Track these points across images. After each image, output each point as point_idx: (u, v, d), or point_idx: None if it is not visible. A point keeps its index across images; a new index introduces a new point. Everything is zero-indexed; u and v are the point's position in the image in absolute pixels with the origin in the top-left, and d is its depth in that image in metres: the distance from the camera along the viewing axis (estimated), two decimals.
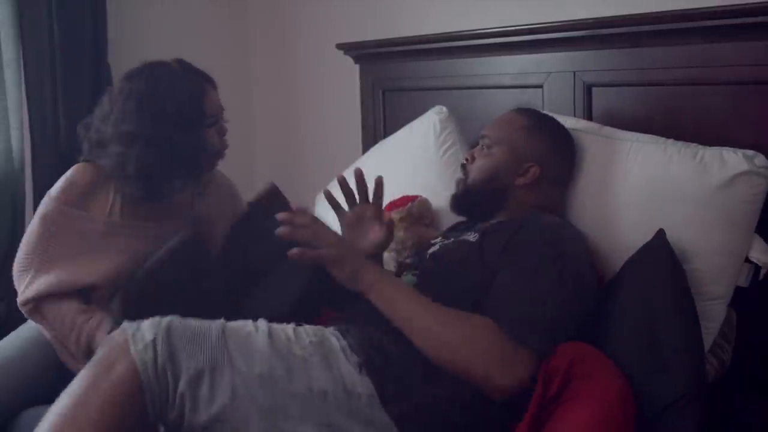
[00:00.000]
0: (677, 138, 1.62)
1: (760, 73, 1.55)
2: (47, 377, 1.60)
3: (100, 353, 1.22)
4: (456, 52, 2.15)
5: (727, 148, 1.50)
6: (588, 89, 1.85)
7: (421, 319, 1.32)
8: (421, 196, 1.92)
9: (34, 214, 2.29)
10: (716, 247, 1.47)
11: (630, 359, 1.34)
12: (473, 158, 1.65)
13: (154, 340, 1.18)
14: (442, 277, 1.47)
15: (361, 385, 1.24)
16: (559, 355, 1.29)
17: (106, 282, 1.63)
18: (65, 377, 1.60)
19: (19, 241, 2.27)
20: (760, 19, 1.52)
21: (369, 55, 2.42)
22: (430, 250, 1.59)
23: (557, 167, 1.63)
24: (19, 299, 1.64)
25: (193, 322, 1.25)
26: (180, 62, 1.67)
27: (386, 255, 1.91)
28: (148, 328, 1.21)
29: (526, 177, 1.60)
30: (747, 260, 1.50)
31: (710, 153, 1.51)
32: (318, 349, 1.27)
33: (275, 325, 1.30)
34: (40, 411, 1.50)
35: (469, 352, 1.28)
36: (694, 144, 1.56)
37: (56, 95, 2.35)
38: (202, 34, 2.84)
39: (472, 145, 1.74)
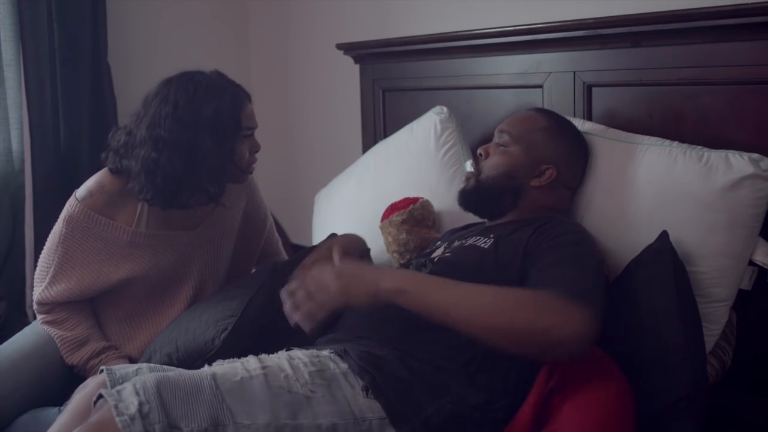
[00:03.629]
0: (677, 138, 1.62)
1: (760, 73, 1.55)
2: (49, 380, 1.60)
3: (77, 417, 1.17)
4: (456, 52, 2.15)
5: (733, 151, 1.50)
6: (588, 89, 1.85)
7: (466, 300, 1.23)
8: (422, 198, 1.91)
9: (34, 214, 2.32)
10: (720, 250, 1.47)
11: (632, 359, 1.34)
12: (487, 154, 1.62)
13: (140, 410, 1.10)
14: (445, 270, 1.43)
15: (370, 409, 1.22)
16: None
17: (125, 283, 1.64)
18: (67, 380, 1.62)
19: (19, 240, 2.30)
20: (759, 19, 1.52)
21: (369, 55, 2.42)
22: (438, 255, 1.55)
23: (572, 171, 1.62)
24: (35, 297, 1.65)
25: (181, 377, 1.18)
26: (219, 73, 1.64)
27: (388, 257, 1.91)
28: (130, 395, 1.12)
29: (541, 179, 1.57)
30: (751, 263, 1.50)
31: (716, 156, 1.51)
32: (319, 380, 1.23)
33: (268, 360, 1.26)
34: (39, 413, 1.51)
35: (526, 312, 1.18)
36: (699, 146, 1.56)
37: (56, 95, 2.35)
38: (203, 34, 2.84)
39: (485, 140, 1.71)
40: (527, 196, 1.58)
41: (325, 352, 1.31)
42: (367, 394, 1.23)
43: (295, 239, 2.70)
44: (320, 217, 2.23)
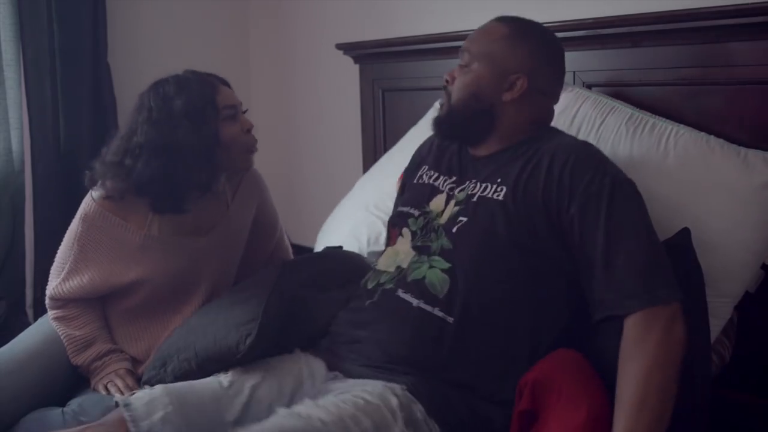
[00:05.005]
0: None
1: (760, 73, 1.55)
2: (55, 380, 1.60)
3: None
4: (456, 52, 2.11)
5: None
6: (588, 89, 1.84)
7: (651, 419, 1.19)
8: None
9: (34, 214, 2.32)
10: (743, 244, 1.47)
11: None
12: (453, 78, 1.50)
13: None
14: (475, 257, 1.36)
15: None
16: (534, 369, 1.28)
17: (135, 284, 1.64)
18: (72, 380, 1.61)
19: (19, 240, 2.29)
20: (759, 19, 1.52)
21: (369, 55, 2.42)
22: (448, 217, 1.43)
23: (546, 77, 1.48)
24: (49, 291, 1.66)
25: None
26: (189, 71, 1.65)
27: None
28: None
29: (513, 91, 1.44)
30: (762, 266, 1.50)
31: (753, 154, 1.51)
32: (408, 421, 1.22)
33: (372, 410, 1.21)
34: (44, 414, 1.50)
35: (669, 368, 1.21)
36: (734, 144, 1.56)
37: (56, 95, 2.35)
38: (202, 34, 2.84)
39: None
40: (504, 114, 1.46)
41: (398, 387, 1.27)
42: None
43: (295, 239, 2.70)
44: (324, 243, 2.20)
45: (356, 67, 2.48)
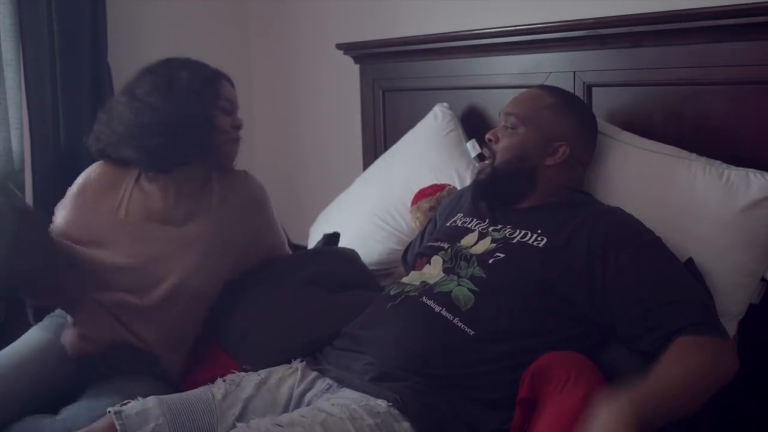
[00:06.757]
0: (677, 138, 1.62)
1: (760, 73, 1.55)
2: (46, 388, 1.58)
3: None
4: (456, 52, 2.15)
5: (754, 170, 1.50)
6: (588, 89, 1.84)
7: (677, 397, 1.19)
8: (450, 185, 1.93)
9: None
10: (735, 268, 1.47)
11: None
12: (497, 138, 1.58)
13: None
14: (507, 286, 1.40)
15: None
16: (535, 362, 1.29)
17: (118, 271, 1.61)
18: (64, 388, 1.58)
19: None
20: (760, 19, 1.52)
21: (369, 55, 2.42)
22: (483, 250, 1.48)
23: (584, 146, 1.59)
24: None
25: None
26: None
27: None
28: None
29: (555, 157, 1.53)
30: (762, 279, 1.50)
31: (736, 174, 1.50)
32: None
33: (332, 425, 1.21)
34: (34, 422, 1.48)
35: (711, 381, 1.24)
36: (718, 162, 1.55)
37: (56, 95, 2.35)
38: (202, 34, 2.84)
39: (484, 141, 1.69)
40: (543, 177, 1.54)
41: (383, 404, 1.27)
42: None
43: (295, 239, 2.70)
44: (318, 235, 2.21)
45: (356, 67, 2.48)
